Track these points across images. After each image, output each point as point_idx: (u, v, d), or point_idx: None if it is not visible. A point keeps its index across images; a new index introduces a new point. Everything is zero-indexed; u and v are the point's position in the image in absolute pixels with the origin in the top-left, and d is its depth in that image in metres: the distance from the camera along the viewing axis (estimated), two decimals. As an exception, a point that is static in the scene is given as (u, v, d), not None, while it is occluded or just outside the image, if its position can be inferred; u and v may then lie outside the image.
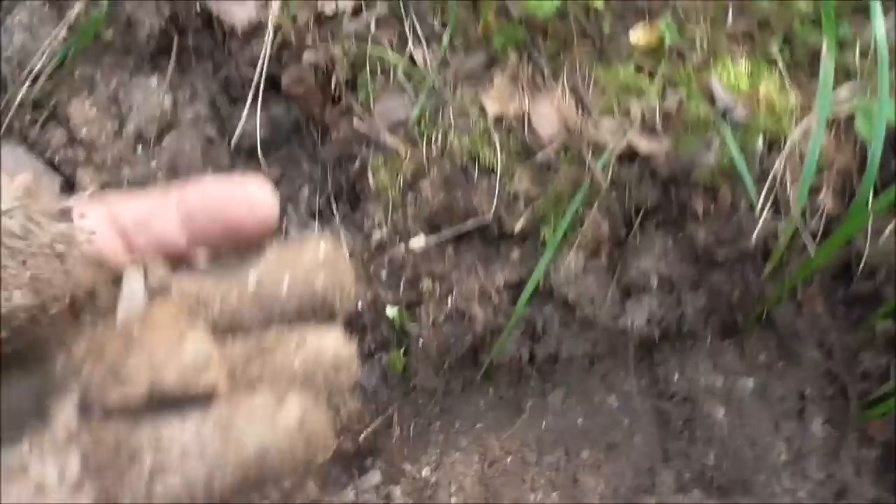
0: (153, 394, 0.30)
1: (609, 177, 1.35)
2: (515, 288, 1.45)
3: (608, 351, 1.68)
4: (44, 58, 1.60)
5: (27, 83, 1.59)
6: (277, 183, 1.64)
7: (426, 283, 1.38)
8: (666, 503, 1.66)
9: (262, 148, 1.62)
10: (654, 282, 1.45)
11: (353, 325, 1.47)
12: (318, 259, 0.38)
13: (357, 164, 1.45)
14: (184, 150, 1.61)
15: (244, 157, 1.65)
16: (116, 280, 0.34)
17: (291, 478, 0.31)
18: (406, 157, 1.39)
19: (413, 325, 1.40)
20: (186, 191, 0.38)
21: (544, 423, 1.70)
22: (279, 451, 0.31)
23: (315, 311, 0.37)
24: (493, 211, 1.36)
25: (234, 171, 1.63)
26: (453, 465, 1.61)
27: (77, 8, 1.59)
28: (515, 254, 1.44)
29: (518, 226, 1.37)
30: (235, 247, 0.39)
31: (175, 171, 1.59)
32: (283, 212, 1.61)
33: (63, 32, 1.59)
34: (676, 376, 1.68)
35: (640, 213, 1.44)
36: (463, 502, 1.58)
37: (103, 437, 0.28)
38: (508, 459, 1.65)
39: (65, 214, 0.31)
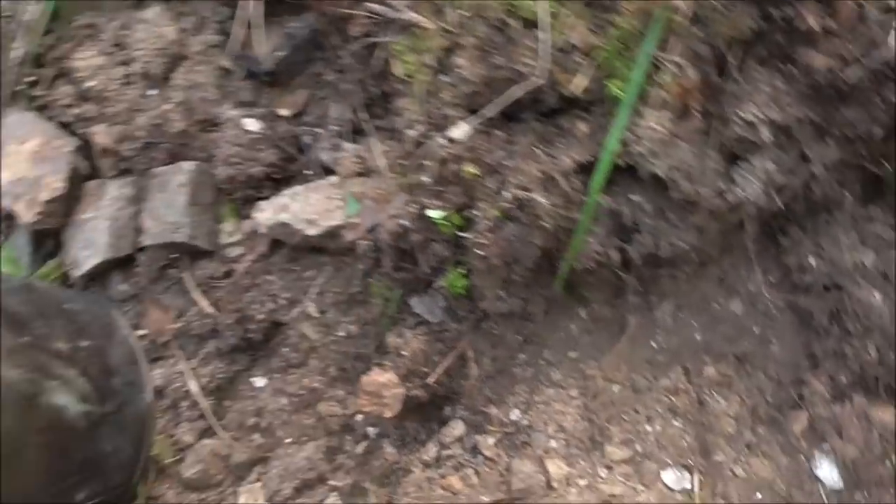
0: None
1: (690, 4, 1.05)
2: (591, 170, 1.17)
3: (721, 241, 1.37)
4: (32, 7, 1.44)
5: (22, 39, 1.44)
6: (305, 107, 1.42)
7: (476, 177, 1.13)
8: (822, 416, 1.33)
9: (285, 73, 1.41)
10: (766, 135, 1.14)
11: (399, 247, 1.23)
12: None
13: (381, 55, 1.21)
14: (197, 85, 1.41)
15: (265, 85, 1.44)
16: None
17: None
18: (433, 32, 1.13)
19: (469, 233, 1.15)
20: None
21: (654, 342, 1.41)
22: None
23: None
24: (544, 71, 1.08)
25: (256, 103, 1.43)
26: (548, 403, 1.35)
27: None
28: (583, 127, 1.16)
29: (578, 85, 1.09)
30: None
31: (191, 110, 1.40)
32: (313, 138, 1.39)
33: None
34: (813, 261, 1.35)
35: (736, 48, 1.13)
36: (567, 444, 1.31)
37: None
38: (615, 389, 1.36)
39: None
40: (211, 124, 1.39)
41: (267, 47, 1.41)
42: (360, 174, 1.28)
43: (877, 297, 1.31)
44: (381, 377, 1.26)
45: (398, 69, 1.18)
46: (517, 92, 1.09)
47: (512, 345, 1.35)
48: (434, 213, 1.10)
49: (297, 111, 1.41)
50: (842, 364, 1.34)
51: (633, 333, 1.39)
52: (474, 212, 1.16)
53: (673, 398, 1.35)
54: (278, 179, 1.37)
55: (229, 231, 1.38)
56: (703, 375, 1.38)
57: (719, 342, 1.42)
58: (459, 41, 1.13)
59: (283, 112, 1.40)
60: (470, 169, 1.09)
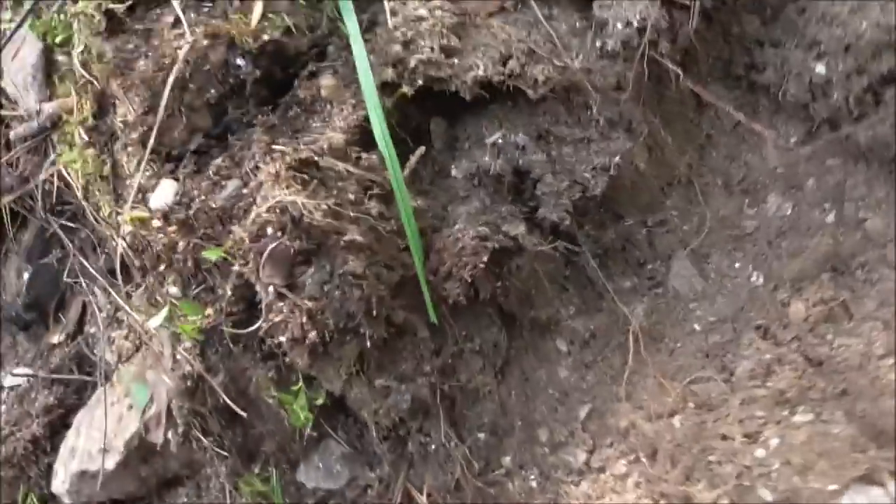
0: None
1: None
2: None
3: (678, 127, 0.86)
4: None
5: None
6: (81, 317, 1.03)
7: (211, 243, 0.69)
8: None
9: (44, 294, 1.04)
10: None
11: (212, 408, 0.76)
12: None
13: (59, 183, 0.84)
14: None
15: (34, 322, 1.06)
16: None
17: None
18: (77, 98, 0.76)
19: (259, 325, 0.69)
20: None
21: (692, 322, 0.86)
22: None
23: None
24: (191, 31, 0.67)
25: (19, 351, 1.05)
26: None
27: None
28: (328, 80, 0.73)
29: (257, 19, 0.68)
30: None
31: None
32: (95, 345, 0.98)
33: None
34: (823, 68, 0.82)
35: None
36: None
37: None
38: (676, 423, 0.79)
39: None
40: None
41: (14, 285, 1.06)
42: (136, 348, 0.85)
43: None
44: None
45: (72, 179, 0.79)
46: (169, 81, 0.67)
47: (482, 451, 0.81)
48: (153, 322, 0.64)
49: (73, 329, 1.01)
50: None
51: (646, 328, 0.84)
52: (257, 290, 0.70)
53: (770, 383, 0.78)
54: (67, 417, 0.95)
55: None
56: (793, 323, 0.81)
57: (788, 263, 0.85)
58: (127, 92, 0.74)
59: (55, 339, 1.01)
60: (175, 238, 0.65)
